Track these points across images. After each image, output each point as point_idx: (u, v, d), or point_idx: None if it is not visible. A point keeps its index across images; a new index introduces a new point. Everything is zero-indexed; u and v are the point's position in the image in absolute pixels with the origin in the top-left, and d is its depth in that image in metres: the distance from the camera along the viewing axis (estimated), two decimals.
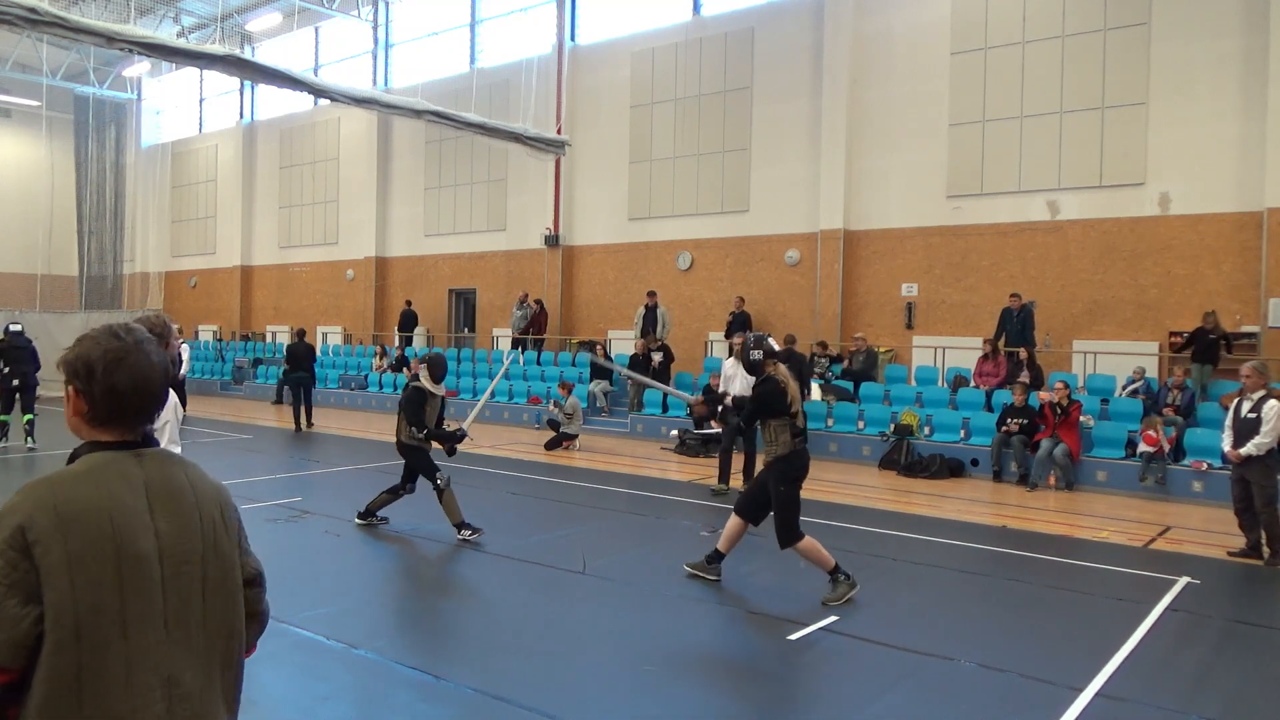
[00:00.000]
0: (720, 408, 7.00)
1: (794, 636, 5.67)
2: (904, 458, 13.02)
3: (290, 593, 6.29)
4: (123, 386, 1.78)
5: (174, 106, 33.24)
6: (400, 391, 19.45)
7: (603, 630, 5.84)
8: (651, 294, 18.33)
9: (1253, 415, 8.07)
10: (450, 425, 8.57)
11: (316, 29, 27.34)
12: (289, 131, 28.44)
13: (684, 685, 4.95)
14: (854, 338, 16.20)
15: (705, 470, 12.70)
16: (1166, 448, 11.46)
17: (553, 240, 21.54)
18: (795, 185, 17.97)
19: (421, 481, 8.43)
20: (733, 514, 6.80)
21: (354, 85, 19.04)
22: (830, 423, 14.60)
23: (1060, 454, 11.75)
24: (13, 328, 13.84)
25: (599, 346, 18.36)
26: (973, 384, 14.44)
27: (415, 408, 8.10)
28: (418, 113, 15.92)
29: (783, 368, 6.62)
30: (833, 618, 6.01)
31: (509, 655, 5.30)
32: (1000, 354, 14.33)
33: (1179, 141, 14.15)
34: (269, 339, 28.37)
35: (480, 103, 19.74)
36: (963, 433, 13.27)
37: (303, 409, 17.20)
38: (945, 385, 15.09)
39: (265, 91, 28.33)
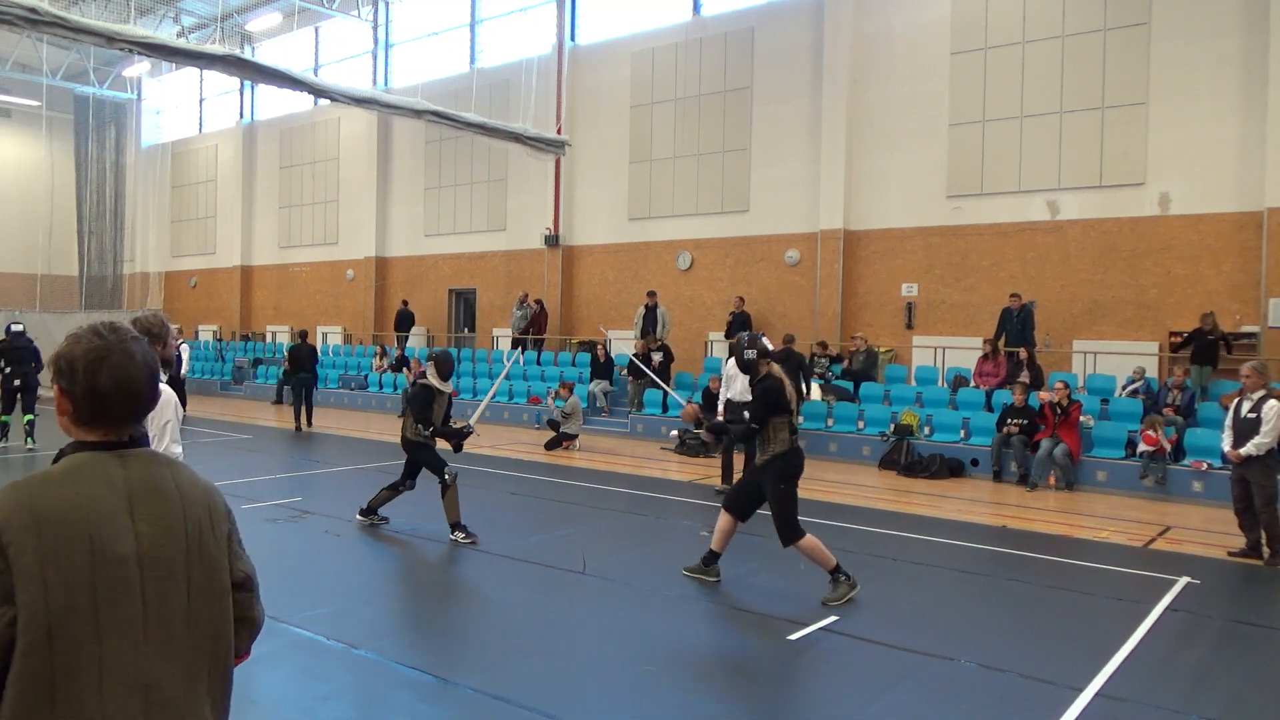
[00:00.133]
0: (707, 425, 7.04)
1: (794, 636, 5.67)
2: (904, 458, 13.02)
3: (290, 593, 6.30)
4: (104, 386, 1.74)
5: (174, 106, 33.24)
6: (400, 391, 19.61)
7: (603, 630, 5.83)
8: (651, 294, 18.33)
9: (1253, 415, 8.07)
10: (457, 423, 8.58)
11: (316, 29, 27.34)
12: (289, 131, 28.44)
13: (684, 685, 4.95)
14: (854, 338, 16.20)
15: (705, 470, 12.71)
16: (1167, 448, 11.46)
17: (553, 240, 21.54)
18: (795, 185, 17.97)
19: (423, 480, 8.43)
20: (722, 511, 6.81)
21: (354, 85, 19.05)
22: (830, 423, 14.61)
23: (1060, 454, 11.75)
24: (14, 328, 13.84)
25: (599, 346, 18.35)
26: (973, 384, 14.44)
27: (422, 405, 8.11)
28: (418, 113, 15.92)
29: (776, 366, 6.65)
30: (833, 618, 6.01)
31: (509, 655, 5.30)
32: (1000, 354, 14.33)
33: (1179, 141, 14.15)
34: (269, 339, 28.37)
35: (480, 103, 19.75)
36: (963, 433, 13.27)
37: (303, 409, 17.21)
38: (945, 385, 15.09)
39: (265, 91, 28.33)
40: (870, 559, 7.72)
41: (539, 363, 20.19)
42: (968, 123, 16.07)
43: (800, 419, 14.55)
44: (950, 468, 12.73)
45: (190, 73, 29.60)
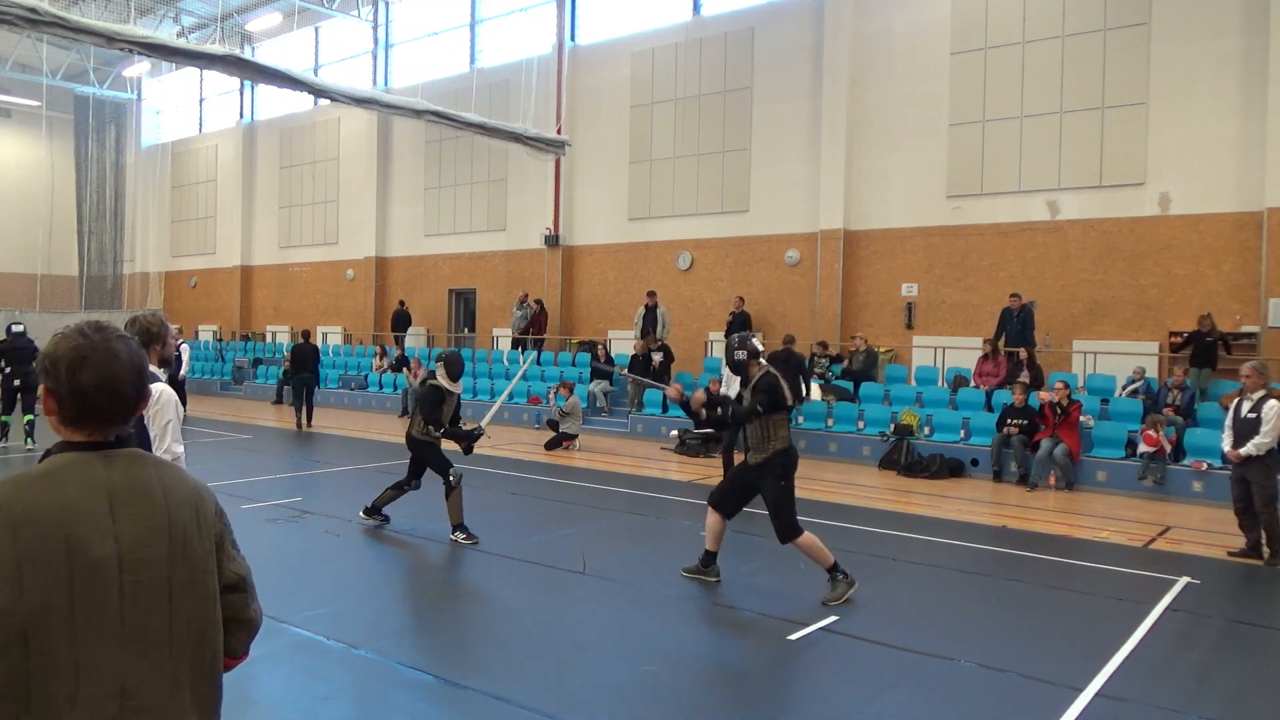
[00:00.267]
0: (707, 399, 6.88)
1: (794, 636, 5.67)
2: (904, 458, 13.02)
3: (290, 593, 6.30)
4: (86, 386, 1.72)
5: (174, 106, 33.24)
6: (400, 391, 19.61)
7: (603, 630, 5.83)
8: (651, 294, 18.33)
9: (1253, 415, 8.07)
10: (467, 425, 8.58)
11: (316, 29, 27.34)
12: (289, 131, 28.44)
13: (683, 685, 4.95)
14: (854, 338, 16.20)
15: (705, 470, 12.70)
16: (1167, 448, 11.46)
17: (553, 240, 21.54)
18: (795, 185, 17.97)
19: (426, 480, 8.43)
20: (710, 510, 6.81)
21: (354, 85, 19.05)
22: (830, 423, 14.61)
23: (1060, 454, 11.75)
24: (14, 328, 13.85)
25: (600, 347, 18.37)
26: (973, 384, 14.44)
27: (432, 405, 8.10)
28: (418, 113, 15.92)
29: (768, 366, 6.66)
30: (833, 618, 6.01)
31: (509, 655, 5.30)
32: (1000, 354, 14.33)
33: (1179, 141, 14.15)
34: (269, 339, 28.37)
35: (480, 103, 19.75)
36: (963, 433, 13.27)
37: (304, 408, 17.24)
38: (945, 385, 15.09)
39: (265, 91, 28.33)
40: (870, 559, 7.72)
41: (539, 363, 20.19)
42: (968, 123, 16.07)
43: (801, 419, 14.58)
44: (950, 468, 12.73)
45: (190, 73, 29.60)
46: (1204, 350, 12.80)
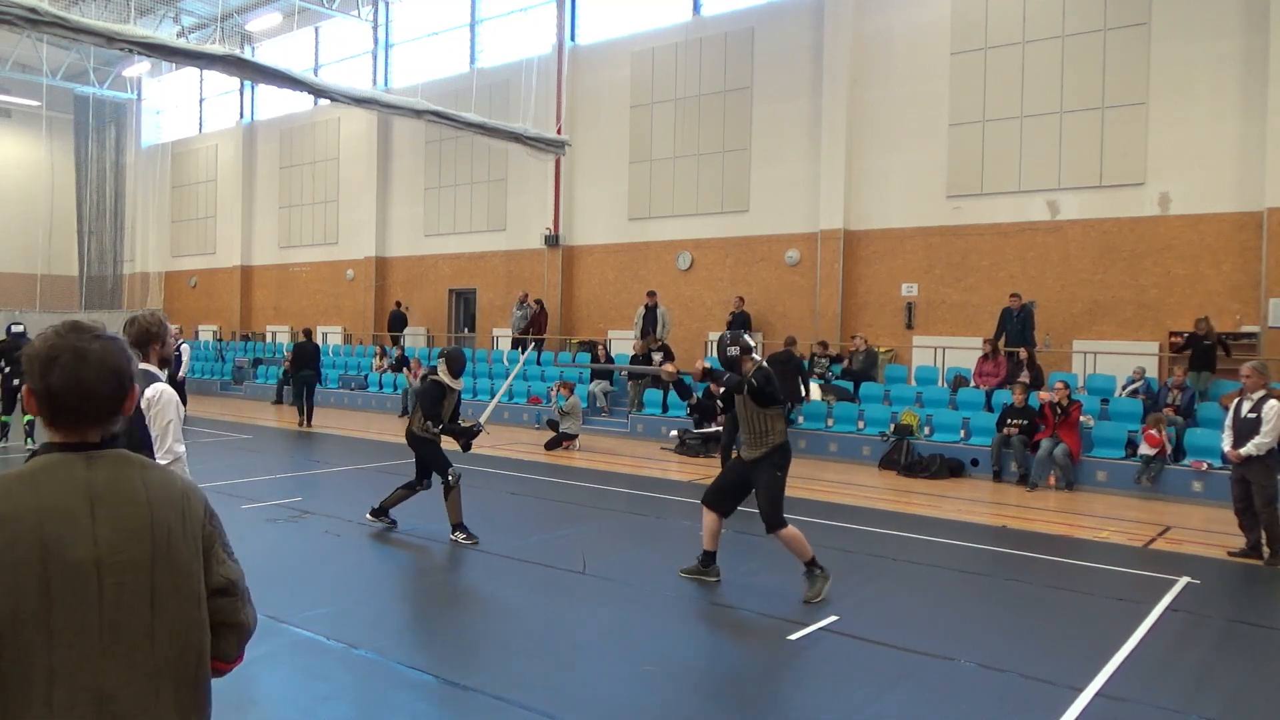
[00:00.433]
0: (704, 370, 6.75)
1: (794, 636, 5.67)
2: (904, 458, 13.01)
3: (290, 593, 6.30)
4: (56, 388, 1.70)
5: (174, 106, 33.24)
6: (400, 391, 19.61)
7: (602, 630, 5.83)
8: (651, 294, 18.33)
9: (1253, 415, 8.07)
10: (466, 423, 8.57)
11: (316, 29, 27.35)
12: (289, 131, 28.45)
13: (683, 685, 4.95)
14: (854, 338, 16.20)
15: (705, 470, 12.70)
16: (1169, 449, 11.46)
17: (553, 240, 21.54)
18: (795, 185, 17.97)
19: (432, 475, 8.41)
20: (705, 510, 6.81)
21: (354, 85, 19.05)
22: (830, 423, 14.60)
23: (1060, 454, 11.75)
24: (14, 328, 13.85)
25: (600, 347, 18.37)
26: (973, 384, 14.44)
27: (432, 401, 8.08)
28: (418, 113, 15.93)
29: (762, 361, 6.68)
30: (833, 617, 6.01)
31: (509, 655, 5.30)
32: (1000, 354, 14.33)
33: (1179, 141, 14.14)
34: (269, 339, 28.38)
35: (480, 103, 19.75)
36: (963, 433, 13.27)
37: (305, 406, 17.28)
38: (945, 385, 15.09)
39: (265, 91, 28.33)
40: (870, 559, 7.72)
41: (539, 363, 20.18)
42: (968, 123, 16.07)
43: (801, 419, 14.58)
44: (950, 468, 12.73)
45: (190, 73, 29.60)
46: (1202, 354, 12.79)
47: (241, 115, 30.29)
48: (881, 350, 16.47)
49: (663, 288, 19.13)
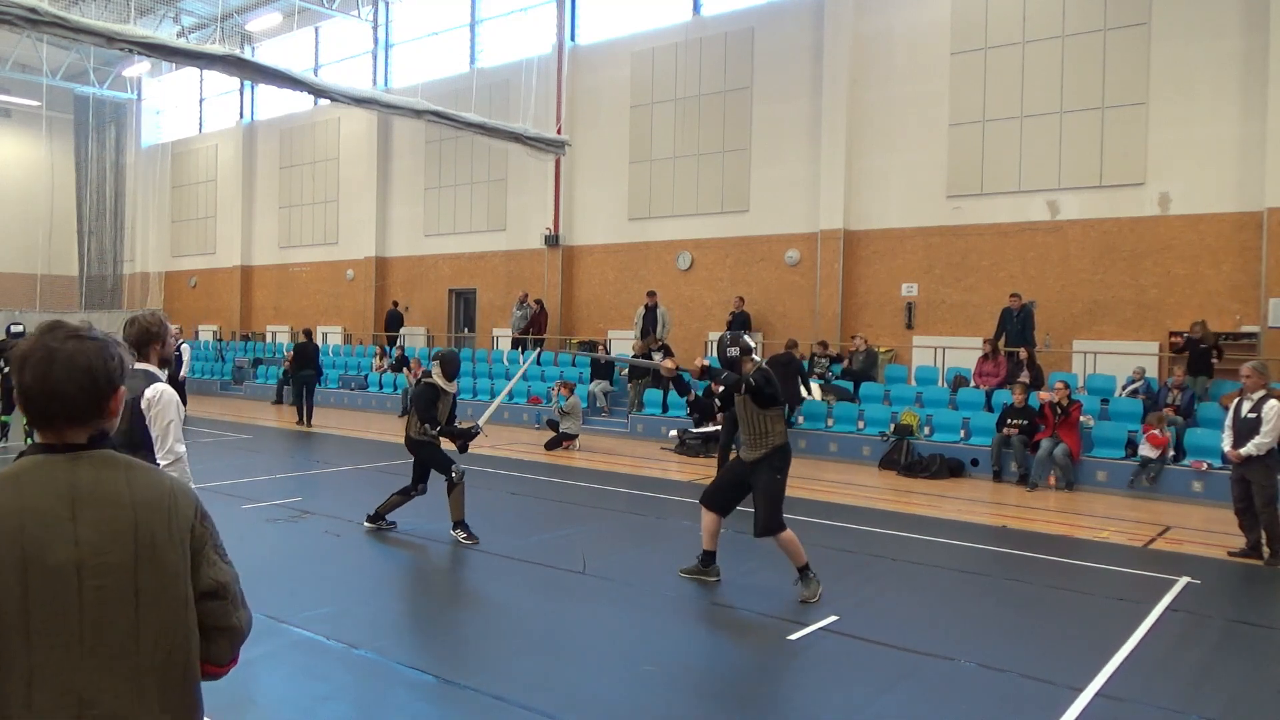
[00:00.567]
0: (703, 367, 6.72)
1: (794, 636, 5.67)
2: (904, 458, 13.01)
3: (290, 593, 6.31)
4: (28, 389, 1.70)
5: (174, 106, 33.24)
6: (400, 391, 19.60)
7: (603, 630, 5.83)
8: (651, 294, 18.33)
9: (1253, 415, 8.07)
10: (463, 424, 8.56)
11: (316, 29, 27.34)
12: (289, 131, 28.45)
13: (683, 685, 4.95)
14: (854, 338, 16.20)
15: (705, 470, 12.70)
16: (1171, 450, 11.46)
17: (553, 240, 21.54)
18: (795, 185, 17.97)
19: (429, 480, 8.40)
20: (703, 510, 6.81)
21: (354, 85, 19.05)
22: (830, 423, 14.60)
23: (1060, 454, 11.75)
24: (14, 328, 13.85)
25: (600, 347, 18.37)
26: (973, 384, 14.44)
27: (427, 403, 8.07)
28: (418, 113, 15.93)
29: (761, 362, 6.68)
30: (833, 617, 6.01)
31: (509, 655, 5.30)
32: (1000, 354, 14.33)
33: (1179, 141, 14.14)
34: (269, 339, 28.38)
35: (480, 103, 19.75)
36: (963, 433, 13.27)
37: (305, 406, 17.30)
38: (945, 385, 15.08)
39: (265, 91, 28.33)
40: (870, 559, 7.72)
41: (539, 363, 20.18)
42: (968, 123, 16.07)
43: (801, 419, 14.58)
44: (950, 468, 12.73)
45: (190, 73, 29.60)
46: (1199, 358, 12.79)
47: (241, 115, 30.29)
48: (881, 350, 16.47)
49: (663, 288, 19.13)
